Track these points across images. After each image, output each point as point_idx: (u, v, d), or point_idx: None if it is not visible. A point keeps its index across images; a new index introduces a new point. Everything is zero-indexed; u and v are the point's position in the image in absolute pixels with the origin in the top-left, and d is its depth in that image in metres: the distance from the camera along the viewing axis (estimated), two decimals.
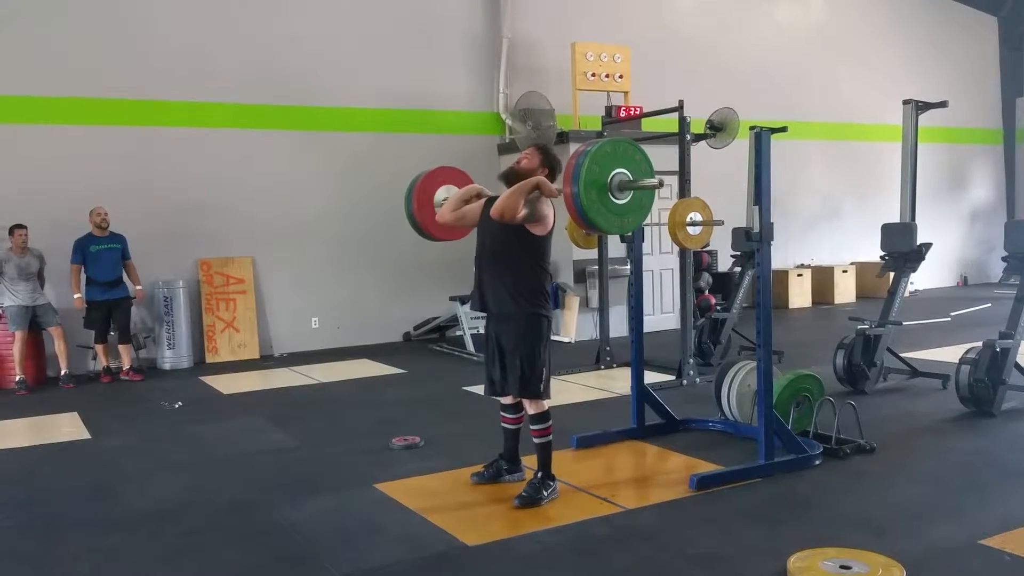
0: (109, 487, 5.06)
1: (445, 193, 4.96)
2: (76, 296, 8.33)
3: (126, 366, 8.52)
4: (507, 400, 4.71)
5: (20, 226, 8.19)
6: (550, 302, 4.58)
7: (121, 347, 8.52)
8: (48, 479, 5.29)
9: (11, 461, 5.72)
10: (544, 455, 4.53)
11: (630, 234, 5.92)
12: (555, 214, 4.49)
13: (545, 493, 4.47)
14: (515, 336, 4.47)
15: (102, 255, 8.39)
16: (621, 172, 4.24)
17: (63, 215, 8.86)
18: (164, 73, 9.35)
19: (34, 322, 8.24)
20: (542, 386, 4.49)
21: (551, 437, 4.55)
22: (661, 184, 4.37)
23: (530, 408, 4.53)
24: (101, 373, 8.53)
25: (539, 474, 4.53)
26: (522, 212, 4.29)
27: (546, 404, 4.55)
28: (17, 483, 5.21)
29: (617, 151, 4.26)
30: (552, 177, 4.49)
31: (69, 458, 5.78)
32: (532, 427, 4.54)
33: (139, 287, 8.63)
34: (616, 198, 4.24)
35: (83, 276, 8.38)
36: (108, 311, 8.42)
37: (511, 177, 4.43)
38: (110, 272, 8.42)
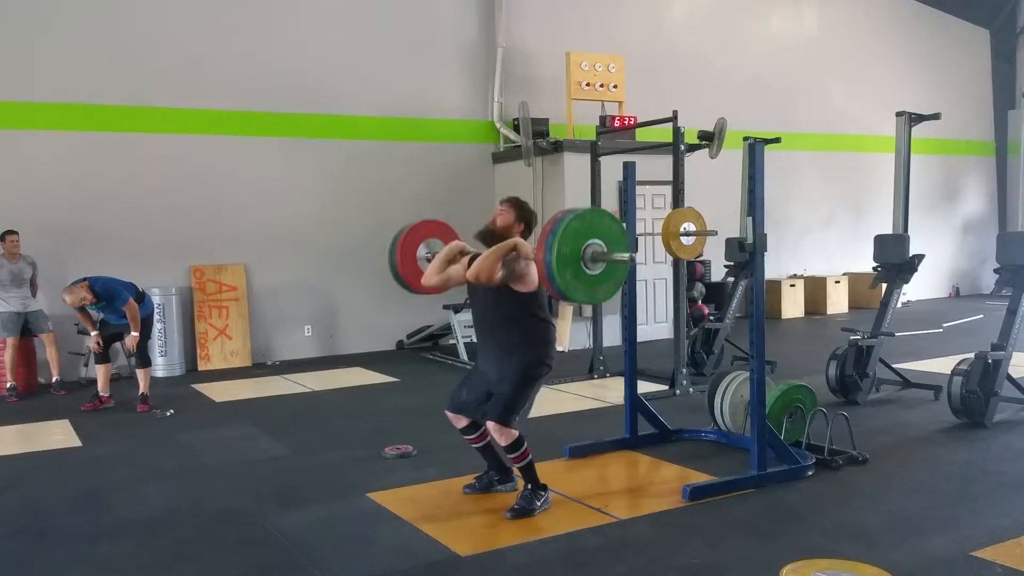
0: (100, 495, 5.04)
1: (426, 249, 4.94)
2: (93, 334, 7.42)
3: (142, 388, 7.42)
4: (460, 424, 4.67)
5: (12, 232, 8.16)
6: (552, 350, 4.52)
7: (139, 372, 7.45)
8: (39, 487, 5.26)
9: (1, 469, 5.68)
10: (528, 474, 4.51)
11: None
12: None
13: (537, 504, 4.46)
14: (515, 362, 4.42)
15: (103, 317, 7.50)
16: (595, 243, 4.12)
17: (56, 221, 8.86)
18: (157, 80, 9.34)
19: (26, 328, 8.20)
20: (514, 416, 4.40)
21: (530, 457, 4.48)
22: (633, 260, 4.32)
23: (500, 440, 4.41)
24: (93, 398, 7.52)
25: (529, 486, 4.51)
26: (499, 274, 4.25)
27: (515, 432, 4.41)
28: (7, 491, 5.18)
29: (585, 225, 4.13)
30: (528, 231, 4.44)
31: (60, 466, 5.75)
32: (510, 455, 4.49)
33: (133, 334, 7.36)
34: (589, 269, 4.14)
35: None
36: (118, 334, 7.55)
37: (487, 236, 4.40)
38: (115, 319, 7.41)
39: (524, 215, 4.47)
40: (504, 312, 4.42)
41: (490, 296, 4.41)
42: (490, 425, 4.42)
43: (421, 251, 4.95)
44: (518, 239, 4.34)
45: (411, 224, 5.04)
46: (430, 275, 4.63)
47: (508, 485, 4.79)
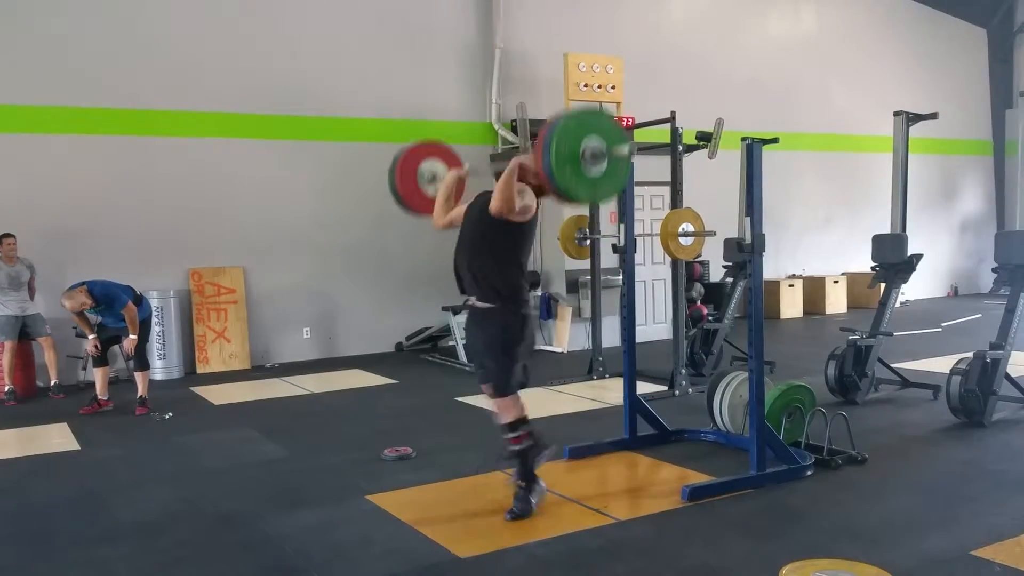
0: (98, 499, 5.03)
1: (429, 167, 4.99)
2: (91, 338, 7.45)
3: (140, 391, 7.42)
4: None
5: (8, 235, 8.15)
6: (527, 296, 4.47)
7: (137, 375, 7.46)
8: (37, 491, 5.25)
9: (0, 472, 5.67)
10: (522, 464, 4.43)
11: (622, 244, 5.94)
12: (540, 209, 4.45)
13: (534, 501, 4.42)
14: (489, 332, 4.42)
15: (101, 320, 7.52)
16: (592, 141, 4.13)
17: (53, 225, 8.85)
18: (155, 82, 9.34)
19: (24, 332, 8.19)
20: (510, 380, 4.37)
21: (528, 442, 4.41)
22: (633, 151, 4.31)
23: (502, 416, 4.42)
24: (92, 401, 7.49)
25: (521, 484, 4.43)
26: (519, 201, 4.23)
27: (517, 411, 4.39)
28: (5, 494, 5.17)
29: (583, 123, 4.15)
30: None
31: (58, 469, 5.74)
32: (506, 436, 4.42)
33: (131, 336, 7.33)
34: (589, 169, 4.14)
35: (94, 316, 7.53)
36: (116, 338, 7.53)
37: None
38: (113, 323, 7.44)
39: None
40: (489, 244, 4.36)
41: (480, 225, 4.38)
42: (495, 403, 4.43)
43: (423, 169, 5.00)
44: (518, 158, 4.29)
45: (409, 145, 5.08)
46: (437, 219, 4.72)
47: (548, 452, 4.63)
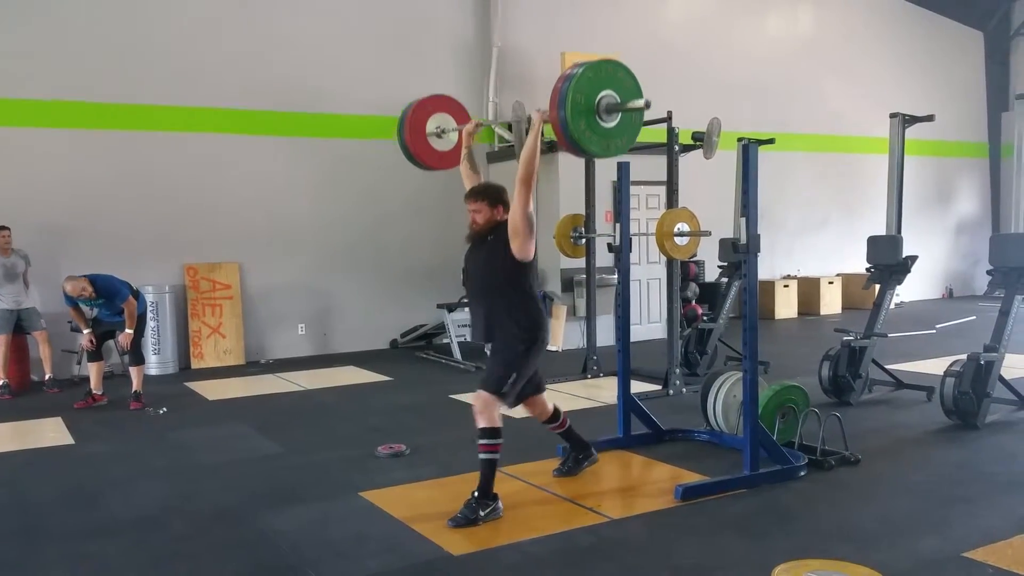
0: (92, 493, 5.03)
1: (437, 122, 5.04)
2: (85, 332, 7.42)
3: (135, 386, 7.42)
4: (542, 417, 4.82)
5: (3, 228, 8.13)
6: (545, 326, 4.51)
7: (133, 370, 7.47)
8: (30, 485, 5.25)
9: None
10: (485, 472, 4.35)
11: (618, 243, 5.94)
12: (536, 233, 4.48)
13: (482, 513, 4.30)
14: (502, 349, 4.48)
15: (97, 314, 7.51)
16: (608, 94, 4.14)
17: (49, 218, 8.84)
18: (152, 77, 9.33)
19: (19, 326, 8.18)
20: (504, 387, 4.36)
21: (497, 455, 4.35)
22: (648, 105, 4.31)
23: (479, 419, 4.33)
24: (86, 396, 7.52)
25: (475, 494, 4.34)
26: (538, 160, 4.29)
27: (489, 419, 4.33)
28: None
29: (600, 75, 4.18)
30: (507, 206, 4.41)
31: (52, 464, 5.73)
32: (480, 441, 4.35)
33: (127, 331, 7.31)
34: (604, 121, 4.14)
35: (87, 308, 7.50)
36: (111, 331, 7.56)
37: (476, 237, 4.47)
38: (108, 317, 7.45)
39: (496, 199, 4.45)
40: (495, 280, 4.41)
41: (483, 262, 4.43)
42: (476, 397, 4.39)
43: (431, 126, 5.08)
44: (536, 121, 4.31)
45: (417, 99, 5.17)
46: (465, 179, 4.82)
47: (592, 459, 5.01)
